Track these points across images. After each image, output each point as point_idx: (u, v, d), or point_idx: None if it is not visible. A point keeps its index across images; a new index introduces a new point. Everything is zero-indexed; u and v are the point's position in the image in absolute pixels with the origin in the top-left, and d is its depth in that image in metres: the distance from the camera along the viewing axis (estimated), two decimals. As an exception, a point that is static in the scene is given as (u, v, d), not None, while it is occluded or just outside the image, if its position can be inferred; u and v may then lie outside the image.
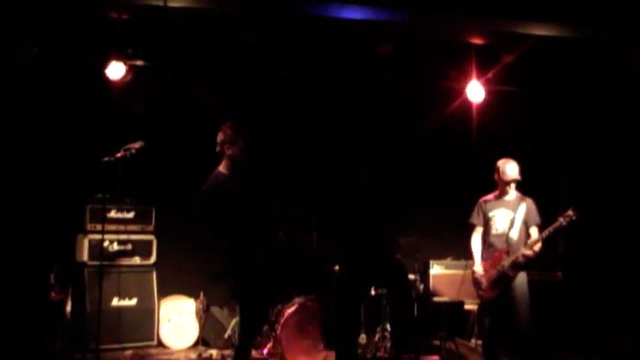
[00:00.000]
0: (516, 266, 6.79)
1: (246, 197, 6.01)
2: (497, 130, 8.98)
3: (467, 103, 8.60)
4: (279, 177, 7.16)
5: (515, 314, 6.76)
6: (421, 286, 8.68)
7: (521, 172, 7.01)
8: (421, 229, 8.62)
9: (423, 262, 8.96)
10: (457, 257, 9.00)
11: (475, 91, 8.37)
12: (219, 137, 6.09)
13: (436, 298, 8.84)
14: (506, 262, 6.80)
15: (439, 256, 9.10)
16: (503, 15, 7.69)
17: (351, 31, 7.94)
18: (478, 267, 7.08)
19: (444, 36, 8.05)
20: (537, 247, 6.79)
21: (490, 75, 8.48)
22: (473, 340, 8.59)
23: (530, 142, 9.49)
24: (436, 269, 9.09)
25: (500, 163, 7.05)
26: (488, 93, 8.46)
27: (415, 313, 8.24)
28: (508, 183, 6.98)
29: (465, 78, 8.40)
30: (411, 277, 8.38)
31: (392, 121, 9.28)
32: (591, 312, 8.29)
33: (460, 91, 8.56)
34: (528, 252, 6.76)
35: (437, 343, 8.41)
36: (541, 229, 6.87)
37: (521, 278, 6.86)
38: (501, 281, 6.83)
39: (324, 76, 8.70)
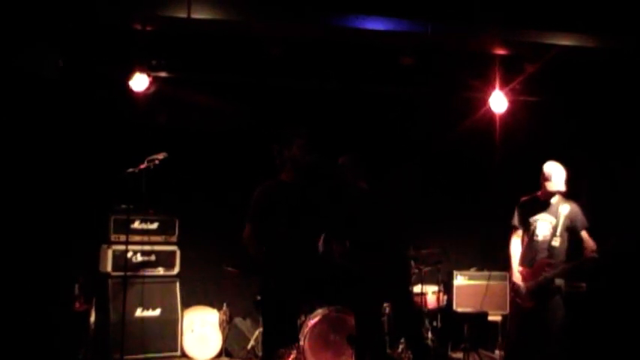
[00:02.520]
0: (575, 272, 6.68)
1: (301, 205, 5.94)
2: (521, 140, 8.94)
3: (490, 114, 8.57)
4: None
5: (550, 327, 6.57)
6: (445, 297, 8.66)
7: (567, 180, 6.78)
8: (445, 240, 8.61)
9: (447, 273, 8.94)
10: (481, 268, 8.98)
11: (498, 102, 8.34)
12: (275, 147, 5.98)
13: (460, 309, 8.82)
14: (550, 273, 6.58)
15: (463, 266, 9.08)
16: (526, 25, 7.66)
17: (374, 43, 7.94)
18: (517, 275, 6.83)
19: (467, 47, 8.04)
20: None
21: (513, 85, 8.45)
22: (496, 352, 8.56)
23: (554, 152, 9.43)
24: (460, 280, 9.06)
25: (549, 168, 6.80)
26: (512, 103, 8.43)
27: (438, 324, 8.23)
28: (552, 194, 6.76)
29: (488, 88, 8.37)
30: (435, 288, 8.37)
31: (415, 132, 9.29)
32: (617, 323, 8.22)
33: (483, 102, 8.53)
34: (594, 255, 6.52)
35: (460, 354, 8.40)
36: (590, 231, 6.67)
37: (560, 290, 6.67)
38: (540, 292, 6.62)
39: (346, 87, 8.71)
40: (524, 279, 6.77)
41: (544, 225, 6.76)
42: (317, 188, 6.12)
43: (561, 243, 6.67)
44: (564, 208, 6.69)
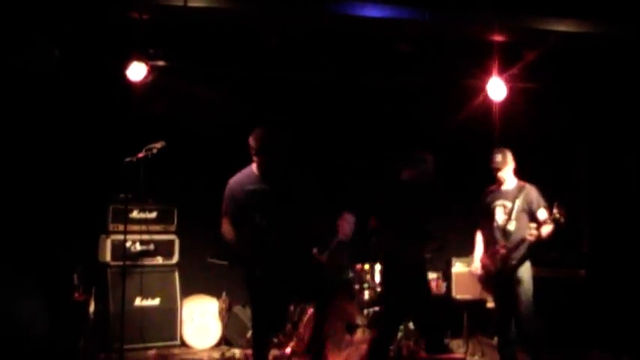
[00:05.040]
0: (519, 257, 6.71)
1: (271, 198, 6.22)
2: (519, 127, 8.90)
3: (488, 101, 8.55)
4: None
5: (518, 311, 6.68)
6: (444, 284, 8.67)
7: (515, 159, 6.94)
8: (443, 227, 8.59)
9: (445, 260, 8.94)
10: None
11: (496, 89, 8.31)
12: (250, 143, 6.24)
13: (458, 296, 8.82)
14: (502, 257, 6.72)
15: (461, 253, 9.06)
16: (525, 12, 7.64)
17: (371, 31, 7.91)
18: (476, 263, 7.07)
19: (465, 33, 8.01)
20: (544, 230, 6.58)
21: (512, 72, 8.41)
22: (495, 338, 8.54)
23: (552, 138, 9.43)
24: (458, 267, 9.06)
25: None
26: (510, 90, 8.40)
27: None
28: (499, 173, 6.91)
29: (486, 75, 8.33)
30: (434, 275, 8.35)
31: (413, 120, 9.26)
32: (616, 309, 8.24)
33: (481, 89, 8.50)
34: (528, 236, 6.62)
35: (459, 341, 8.42)
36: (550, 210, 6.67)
37: (526, 274, 6.74)
38: (501, 277, 6.75)
39: (344, 78, 8.67)
40: (484, 265, 6.96)
41: (500, 210, 6.90)
42: (288, 178, 6.35)
43: (517, 227, 6.76)
44: (521, 194, 6.83)
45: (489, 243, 6.97)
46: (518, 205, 6.78)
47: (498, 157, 6.90)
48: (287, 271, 6.21)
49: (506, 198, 6.89)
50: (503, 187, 6.96)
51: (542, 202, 6.80)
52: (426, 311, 6.88)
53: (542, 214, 6.72)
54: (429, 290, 6.91)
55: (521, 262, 6.72)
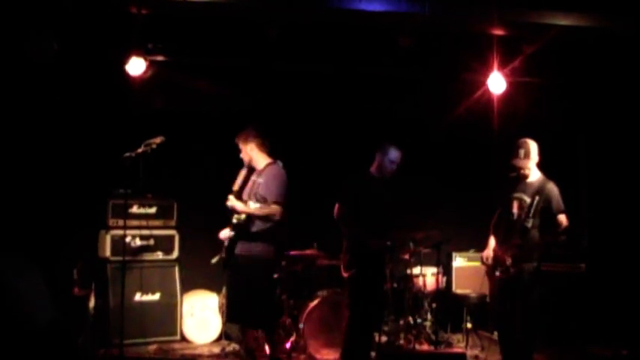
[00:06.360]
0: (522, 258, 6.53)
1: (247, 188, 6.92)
2: (520, 121, 8.87)
3: (488, 96, 8.52)
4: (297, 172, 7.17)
5: (518, 310, 6.52)
6: (444, 279, 8.65)
7: (541, 154, 6.73)
8: (443, 221, 8.58)
9: (446, 254, 8.92)
10: (480, 249, 8.94)
11: (496, 83, 8.28)
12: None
13: (459, 291, 8.82)
14: (516, 256, 6.50)
15: (462, 248, 9.06)
16: (525, 5, 7.60)
17: (371, 24, 7.88)
18: (488, 251, 6.86)
19: (465, 27, 7.97)
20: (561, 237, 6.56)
21: (512, 66, 8.38)
22: (495, 333, 8.55)
23: (552, 133, 9.39)
24: (459, 261, 9.07)
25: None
26: (510, 84, 8.37)
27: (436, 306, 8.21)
28: (522, 170, 6.68)
29: (486, 69, 8.30)
30: (434, 269, 8.32)
31: (413, 114, 9.25)
32: (616, 304, 8.24)
33: (481, 83, 8.47)
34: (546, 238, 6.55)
35: (460, 335, 8.42)
36: (568, 214, 6.57)
37: (530, 273, 6.55)
38: (511, 272, 6.54)
39: (344, 69, 8.65)
40: (497, 256, 6.73)
41: (517, 203, 6.69)
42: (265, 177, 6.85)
43: (534, 225, 6.56)
44: (542, 191, 6.60)
45: (502, 233, 6.77)
46: (537, 203, 6.53)
47: (521, 153, 6.64)
48: (233, 271, 6.91)
49: (525, 192, 6.66)
50: (526, 179, 6.70)
51: (561, 204, 6.59)
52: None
53: (562, 219, 6.57)
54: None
55: (534, 276, 6.54)
